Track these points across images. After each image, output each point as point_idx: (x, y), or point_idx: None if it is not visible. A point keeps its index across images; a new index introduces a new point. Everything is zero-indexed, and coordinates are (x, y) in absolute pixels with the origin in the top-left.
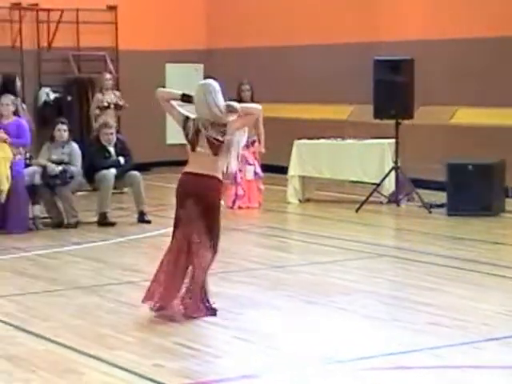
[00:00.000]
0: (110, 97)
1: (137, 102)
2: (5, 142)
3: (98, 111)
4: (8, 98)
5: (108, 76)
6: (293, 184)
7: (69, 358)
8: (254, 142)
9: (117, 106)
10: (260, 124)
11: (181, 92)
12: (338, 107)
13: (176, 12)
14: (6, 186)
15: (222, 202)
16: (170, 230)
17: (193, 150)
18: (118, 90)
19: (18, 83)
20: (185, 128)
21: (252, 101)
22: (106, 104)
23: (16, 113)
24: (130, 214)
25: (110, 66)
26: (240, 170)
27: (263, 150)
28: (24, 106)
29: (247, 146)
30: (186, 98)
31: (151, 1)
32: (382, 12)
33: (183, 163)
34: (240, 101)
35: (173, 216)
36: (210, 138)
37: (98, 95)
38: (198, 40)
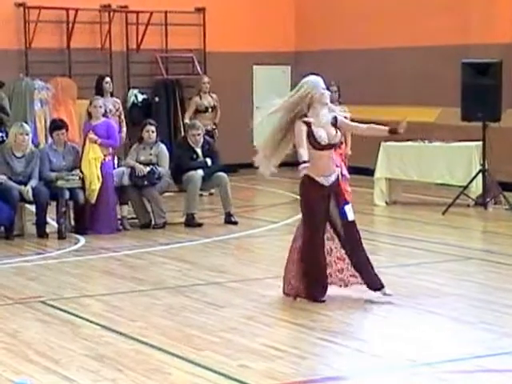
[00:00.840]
0: (208, 100)
1: (224, 104)
2: (95, 142)
3: (193, 115)
4: (99, 101)
5: (206, 79)
6: (379, 186)
7: (155, 358)
8: (341, 143)
9: (214, 109)
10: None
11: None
12: (425, 109)
13: (264, 14)
14: (97, 186)
15: None
16: (257, 231)
17: None
18: (213, 92)
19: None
20: None
21: (339, 102)
22: (204, 108)
23: (105, 114)
24: (217, 215)
25: (198, 68)
26: None
27: (349, 152)
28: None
29: (334, 148)
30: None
31: (239, 2)
32: (470, 14)
33: None
34: None
35: (259, 217)
36: None
37: (196, 98)
38: (286, 42)
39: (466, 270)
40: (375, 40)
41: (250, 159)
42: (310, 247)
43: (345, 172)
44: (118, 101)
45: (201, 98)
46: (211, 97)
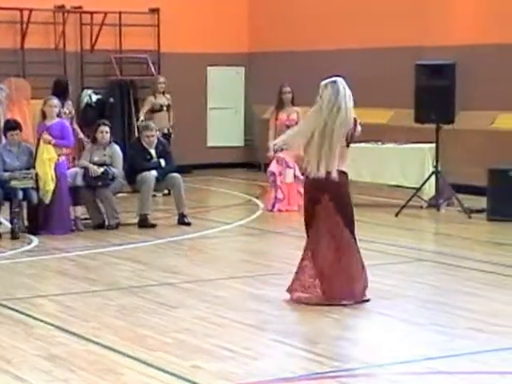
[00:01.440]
0: (163, 100)
1: (178, 105)
2: (49, 143)
3: (148, 114)
4: (54, 101)
5: (162, 79)
6: None
7: (108, 359)
8: None
9: (168, 108)
10: None
11: None
12: (378, 111)
13: (218, 15)
14: (51, 187)
15: (262, 205)
16: (210, 232)
17: None
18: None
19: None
20: None
21: (292, 104)
22: (158, 107)
23: (58, 115)
24: (171, 216)
25: (152, 69)
26: (280, 174)
27: (303, 153)
28: (72, 109)
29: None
30: None
31: (193, 4)
32: (424, 17)
33: (223, 166)
34: (280, 103)
35: (212, 218)
36: None
37: (151, 98)
38: (240, 43)
39: (418, 272)
40: (329, 41)
41: (203, 160)
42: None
43: (298, 173)
44: (71, 103)
45: (155, 98)
46: (165, 97)
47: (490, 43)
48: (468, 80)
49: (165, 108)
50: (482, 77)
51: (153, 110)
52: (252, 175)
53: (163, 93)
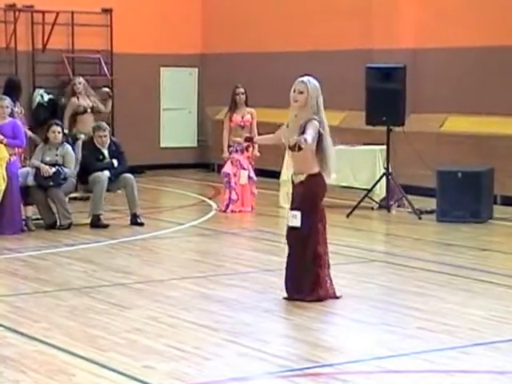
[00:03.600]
0: (87, 101)
1: (131, 105)
2: (0, 142)
3: (72, 118)
4: (6, 101)
5: (79, 80)
6: (285, 189)
7: (59, 359)
8: (248, 146)
9: (93, 110)
10: (254, 128)
11: None
12: (330, 113)
13: (171, 16)
14: (2, 187)
15: (216, 206)
16: (163, 232)
17: None
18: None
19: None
20: None
21: (246, 105)
22: (82, 109)
23: (11, 115)
24: (123, 216)
25: (105, 69)
26: (234, 175)
27: (258, 154)
28: (22, 109)
29: (241, 151)
30: None
31: (146, 4)
32: (373, 20)
33: (176, 166)
34: (234, 104)
35: (165, 219)
36: None
37: (73, 100)
38: (193, 44)
39: (369, 272)
40: (282, 43)
41: (156, 161)
42: None
43: (252, 174)
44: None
45: (78, 100)
46: (90, 98)
47: (439, 47)
48: (418, 83)
49: (89, 110)
50: (432, 80)
51: (77, 113)
52: (205, 176)
53: (85, 93)
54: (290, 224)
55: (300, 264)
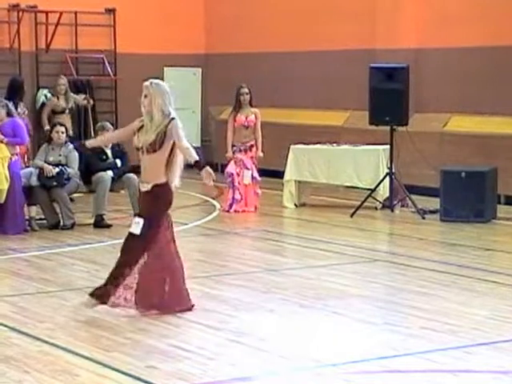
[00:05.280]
0: (64, 102)
1: (134, 105)
2: (1, 142)
3: (50, 117)
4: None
5: (62, 81)
6: (288, 188)
7: (63, 359)
8: (251, 146)
9: (72, 111)
10: (258, 129)
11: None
12: (334, 113)
13: (175, 16)
14: (5, 186)
15: (219, 206)
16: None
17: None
18: (79, 91)
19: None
20: None
21: (251, 105)
22: (60, 109)
23: (9, 114)
24: (126, 216)
25: (108, 69)
26: (238, 175)
27: (261, 155)
28: (25, 109)
29: (245, 151)
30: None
31: (150, 4)
32: (378, 20)
33: None
34: (238, 104)
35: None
36: None
37: (53, 99)
38: (197, 44)
39: (372, 272)
40: (285, 43)
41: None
42: None
43: (255, 174)
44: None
45: (58, 99)
46: (73, 98)
47: (442, 47)
48: (421, 83)
49: (67, 111)
50: (435, 80)
51: (54, 112)
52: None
53: (65, 94)
54: (131, 230)
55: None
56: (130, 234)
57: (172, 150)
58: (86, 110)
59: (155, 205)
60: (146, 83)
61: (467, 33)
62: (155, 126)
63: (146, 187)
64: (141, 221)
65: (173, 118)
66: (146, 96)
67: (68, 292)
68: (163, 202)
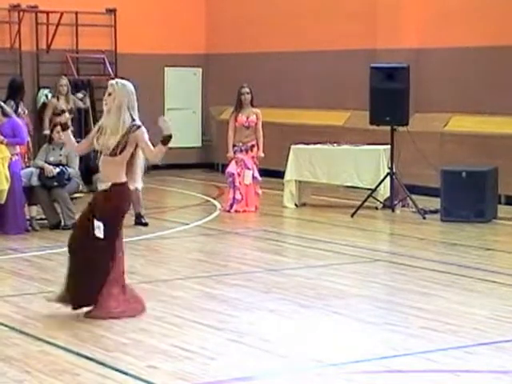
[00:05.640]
0: (65, 103)
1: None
2: (1, 143)
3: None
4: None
5: (63, 81)
6: (289, 188)
7: (64, 359)
8: (252, 146)
9: (72, 112)
10: (259, 129)
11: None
12: (334, 113)
13: (175, 16)
14: (5, 186)
15: (220, 206)
16: (167, 232)
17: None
18: (79, 91)
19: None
20: None
21: (252, 105)
22: (59, 110)
23: (5, 114)
24: (127, 216)
25: (109, 69)
26: (239, 175)
27: (262, 155)
28: (25, 109)
29: (246, 151)
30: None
31: (150, 4)
32: (378, 20)
33: (181, 166)
34: (240, 104)
35: (169, 219)
36: None
37: (53, 100)
38: (197, 44)
39: (373, 272)
40: (286, 43)
41: (161, 160)
42: None
43: (256, 174)
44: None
45: (58, 100)
46: (73, 100)
47: (442, 46)
48: (422, 83)
49: (67, 113)
50: (436, 79)
51: (54, 114)
52: (209, 176)
53: (66, 95)
54: (97, 234)
55: (88, 275)
56: (96, 238)
57: (133, 153)
58: (86, 109)
59: (112, 207)
60: (112, 81)
61: (468, 33)
62: (115, 129)
63: (103, 186)
64: (101, 224)
65: (139, 127)
66: (109, 94)
67: None
68: (120, 204)
